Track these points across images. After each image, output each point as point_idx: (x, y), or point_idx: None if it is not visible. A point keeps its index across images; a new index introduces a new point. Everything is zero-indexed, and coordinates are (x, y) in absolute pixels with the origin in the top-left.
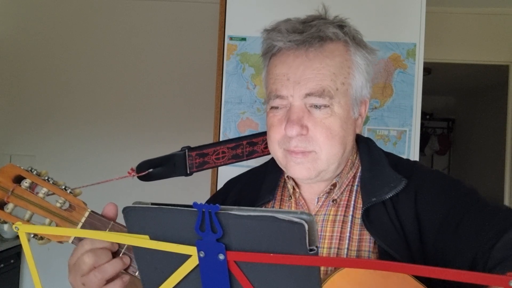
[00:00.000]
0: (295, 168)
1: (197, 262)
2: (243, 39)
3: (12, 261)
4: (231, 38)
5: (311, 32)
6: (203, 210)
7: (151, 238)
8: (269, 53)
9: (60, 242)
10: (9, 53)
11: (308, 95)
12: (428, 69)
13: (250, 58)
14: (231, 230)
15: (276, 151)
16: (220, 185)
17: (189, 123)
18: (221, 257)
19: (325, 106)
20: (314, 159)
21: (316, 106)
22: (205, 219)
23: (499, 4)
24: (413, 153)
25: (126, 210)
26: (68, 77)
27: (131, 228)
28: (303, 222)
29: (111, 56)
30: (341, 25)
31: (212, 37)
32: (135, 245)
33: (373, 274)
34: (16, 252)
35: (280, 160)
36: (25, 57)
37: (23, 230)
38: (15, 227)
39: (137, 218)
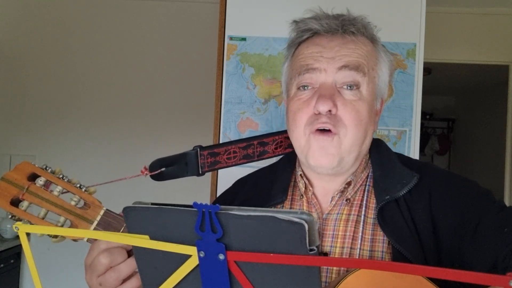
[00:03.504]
0: (319, 153)
1: (197, 262)
2: (243, 39)
3: (12, 261)
4: (231, 38)
5: (346, 19)
6: (203, 210)
7: (151, 238)
8: (297, 40)
9: (75, 240)
10: (9, 53)
11: (344, 67)
12: (428, 69)
13: (250, 58)
14: (231, 230)
15: (300, 137)
16: (220, 185)
17: (189, 123)
18: (221, 257)
19: (356, 87)
20: (338, 143)
21: (347, 86)
22: (205, 219)
23: (499, 4)
24: (413, 153)
25: (126, 210)
26: (68, 77)
27: (131, 228)
28: (303, 222)
29: (110, 56)
30: (368, 23)
31: (212, 37)
32: (135, 245)
33: (386, 274)
34: (16, 252)
35: (303, 148)
36: (25, 57)
37: (23, 230)
38: (15, 227)
39: (137, 218)
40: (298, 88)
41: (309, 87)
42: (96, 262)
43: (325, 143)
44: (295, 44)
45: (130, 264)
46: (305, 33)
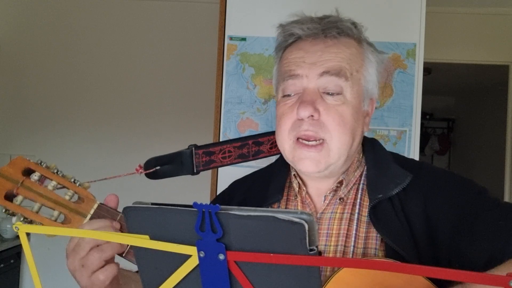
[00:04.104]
0: (304, 162)
1: (197, 262)
2: (243, 39)
3: (12, 261)
4: (231, 38)
5: (329, 21)
6: (203, 210)
7: (151, 238)
8: (284, 44)
9: None
10: (10, 53)
11: (325, 73)
12: (428, 69)
13: (250, 58)
14: (231, 230)
15: (285, 143)
16: (220, 185)
17: (189, 123)
18: (221, 257)
19: (338, 93)
20: (326, 151)
21: (329, 93)
22: (205, 219)
23: (499, 4)
24: (413, 153)
25: (127, 210)
26: (68, 77)
27: (131, 228)
28: (303, 222)
29: (110, 56)
30: (355, 24)
31: (212, 37)
32: (135, 245)
33: None
34: (16, 252)
35: (287, 154)
36: (26, 56)
37: (23, 230)
38: (15, 227)
39: (137, 218)
40: (283, 96)
41: (293, 94)
42: (82, 241)
43: (314, 154)
44: (282, 48)
45: (113, 246)
46: (290, 38)
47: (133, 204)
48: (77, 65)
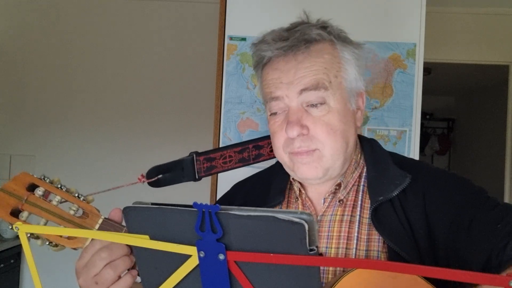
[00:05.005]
0: (303, 169)
1: (197, 262)
2: (243, 39)
3: (12, 261)
4: (231, 38)
5: (296, 37)
6: (203, 210)
7: (151, 238)
8: (260, 64)
9: (75, 248)
10: (9, 53)
11: (303, 90)
12: (428, 69)
13: (250, 58)
14: (231, 230)
15: (282, 156)
16: (220, 185)
17: (189, 123)
18: (221, 257)
19: (321, 103)
20: (319, 156)
21: (313, 105)
22: (205, 219)
23: (499, 4)
24: (413, 153)
25: (126, 210)
26: (68, 77)
27: (131, 228)
28: (303, 222)
29: (111, 56)
30: (324, 26)
31: (212, 37)
32: (135, 245)
33: (382, 274)
34: (16, 252)
35: (288, 164)
36: (26, 57)
37: (23, 230)
38: (15, 227)
39: (137, 218)
40: (271, 114)
41: (280, 112)
42: (96, 258)
43: (307, 159)
44: (260, 67)
45: (125, 261)
46: (263, 58)
47: (133, 204)
48: (77, 65)
